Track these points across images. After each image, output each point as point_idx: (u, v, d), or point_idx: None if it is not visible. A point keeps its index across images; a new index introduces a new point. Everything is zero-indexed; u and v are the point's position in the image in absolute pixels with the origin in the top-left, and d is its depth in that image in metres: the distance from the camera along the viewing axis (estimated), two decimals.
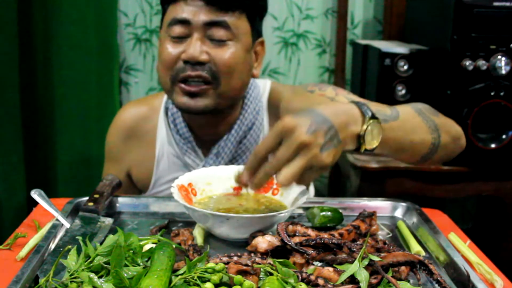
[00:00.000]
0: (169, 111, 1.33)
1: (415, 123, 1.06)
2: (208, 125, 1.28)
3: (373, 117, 0.92)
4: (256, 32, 1.25)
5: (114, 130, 1.40)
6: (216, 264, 0.77)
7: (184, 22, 1.17)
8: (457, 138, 1.15)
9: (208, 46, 1.17)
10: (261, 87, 1.35)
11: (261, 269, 0.78)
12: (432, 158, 1.12)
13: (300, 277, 0.76)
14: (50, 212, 1.00)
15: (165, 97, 1.36)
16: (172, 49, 1.18)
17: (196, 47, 1.16)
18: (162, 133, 1.34)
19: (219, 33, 1.17)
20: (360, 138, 0.92)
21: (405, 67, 2.02)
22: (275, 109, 1.33)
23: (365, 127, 0.91)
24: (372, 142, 0.94)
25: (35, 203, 1.03)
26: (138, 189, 1.42)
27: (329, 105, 0.95)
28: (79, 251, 0.81)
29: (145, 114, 1.37)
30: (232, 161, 1.30)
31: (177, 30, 1.17)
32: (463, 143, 1.18)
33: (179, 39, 1.18)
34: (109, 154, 1.42)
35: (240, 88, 1.23)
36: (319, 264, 0.85)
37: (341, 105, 0.96)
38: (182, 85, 1.17)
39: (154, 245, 0.84)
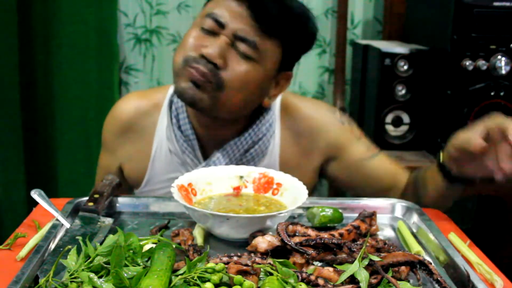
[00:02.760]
0: (174, 105, 1.30)
1: None
2: (213, 127, 1.26)
3: None
4: (286, 64, 1.22)
5: (111, 120, 1.37)
6: (216, 264, 0.77)
7: (218, 22, 1.15)
8: None
9: (230, 53, 1.14)
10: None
11: (261, 269, 0.78)
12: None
13: (300, 277, 0.76)
14: (50, 212, 0.99)
15: (169, 91, 1.34)
16: (197, 38, 1.17)
17: (217, 48, 1.13)
18: (162, 129, 1.31)
19: (245, 49, 1.14)
20: None
21: (405, 67, 2.02)
22: (289, 121, 1.31)
23: None
24: None
25: (35, 203, 1.03)
26: (129, 185, 1.38)
27: None
28: (79, 251, 0.81)
29: (145, 109, 1.34)
30: None
31: (209, 24, 1.16)
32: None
33: (208, 33, 1.16)
34: (104, 144, 1.39)
35: (238, 108, 1.20)
36: (319, 264, 0.85)
37: None
38: (191, 70, 1.14)
39: (154, 245, 0.84)
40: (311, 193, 1.26)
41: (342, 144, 1.32)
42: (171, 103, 1.31)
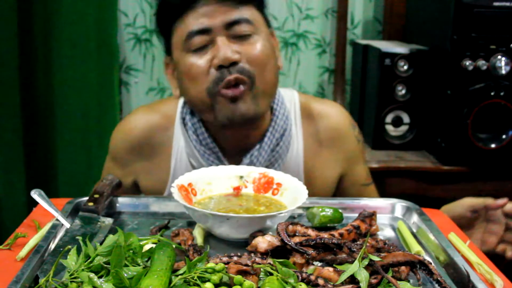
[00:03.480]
0: (189, 122, 1.26)
1: None
2: (238, 137, 1.23)
3: None
4: (267, 22, 1.23)
5: (122, 137, 1.32)
6: (216, 264, 0.77)
7: (204, 32, 1.12)
8: None
9: (234, 45, 1.13)
10: (286, 95, 1.33)
11: (261, 269, 0.78)
12: None
13: (300, 277, 0.76)
14: (50, 212, 0.99)
15: (179, 105, 1.30)
16: (199, 61, 1.13)
17: (225, 48, 1.11)
18: (180, 144, 1.28)
19: (243, 28, 1.13)
20: None
21: (405, 67, 2.02)
22: (312, 128, 1.31)
23: None
24: None
25: (35, 203, 1.03)
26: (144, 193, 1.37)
27: None
28: (79, 251, 0.81)
29: (159, 123, 1.30)
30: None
31: (198, 41, 1.13)
32: None
33: (202, 49, 1.13)
34: (114, 158, 1.34)
35: (274, 82, 1.20)
36: (319, 264, 0.85)
37: None
38: (225, 91, 1.12)
39: (154, 245, 0.84)
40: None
41: (355, 161, 1.35)
42: (183, 120, 1.28)
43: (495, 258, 1.10)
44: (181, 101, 1.32)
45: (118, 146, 1.33)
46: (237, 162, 1.24)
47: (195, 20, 1.13)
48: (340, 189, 1.36)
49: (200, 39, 1.13)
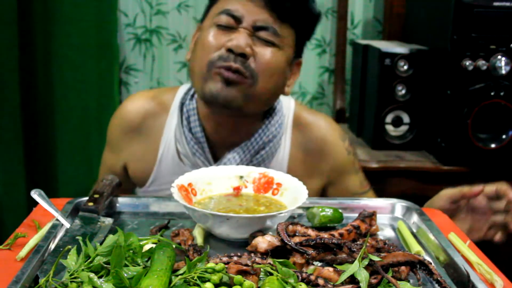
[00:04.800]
0: (185, 107, 1.29)
1: None
2: (224, 130, 1.26)
3: None
4: (298, 51, 1.25)
5: (117, 120, 1.36)
6: (216, 264, 0.77)
7: (234, 17, 1.16)
8: None
9: (253, 43, 1.16)
10: (285, 102, 1.34)
11: (261, 269, 0.78)
12: None
13: (300, 277, 0.76)
14: (50, 212, 0.99)
15: (179, 93, 1.34)
16: (216, 36, 1.17)
17: (242, 38, 1.14)
18: (170, 131, 1.31)
19: (267, 35, 1.16)
20: None
21: (405, 67, 2.02)
22: (300, 138, 1.32)
23: None
24: None
25: (35, 203, 1.03)
26: (132, 183, 1.39)
27: None
28: (79, 251, 0.81)
29: (153, 110, 1.34)
30: None
31: (226, 20, 1.16)
32: None
33: (225, 28, 1.16)
34: (109, 142, 1.39)
35: (272, 95, 1.22)
36: (319, 264, 0.85)
37: None
38: (222, 70, 1.14)
39: (154, 245, 0.84)
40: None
41: (343, 172, 1.35)
42: (181, 105, 1.31)
43: (489, 245, 1.11)
44: (182, 89, 1.35)
45: (112, 130, 1.38)
46: (220, 155, 1.27)
47: (233, 3, 1.16)
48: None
49: (228, 20, 1.16)
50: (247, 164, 1.25)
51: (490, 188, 1.16)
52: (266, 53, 1.16)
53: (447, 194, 1.20)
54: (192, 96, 1.30)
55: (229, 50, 1.14)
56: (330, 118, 1.41)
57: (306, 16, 1.23)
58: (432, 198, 1.22)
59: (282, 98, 1.33)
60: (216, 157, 1.28)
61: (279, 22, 1.17)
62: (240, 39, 1.14)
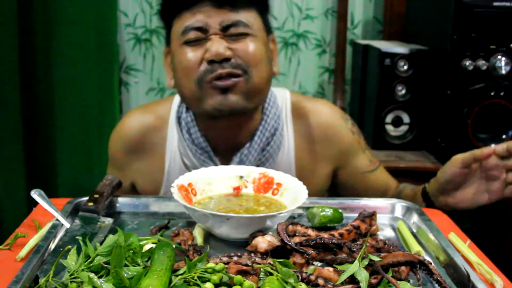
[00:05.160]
0: (183, 120, 1.28)
1: None
2: (228, 134, 1.25)
3: None
4: (267, 28, 1.24)
5: (117, 139, 1.35)
6: (216, 264, 0.77)
7: (199, 29, 1.15)
8: None
9: (228, 42, 1.15)
10: (279, 94, 1.34)
11: (261, 269, 0.78)
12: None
13: (300, 277, 0.76)
14: (50, 212, 0.99)
15: (174, 105, 1.32)
16: (192, 54, 1.16)
17: (218, 44, 1.13)
18: (173, 145, 1.30)
19: (238, 29, 1.15)
20: None
21: (405, 67, 2.02)
22: (302, 126, 1.32)
23: None
24: None
25: (35, 203, 1.03)
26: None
27: None
28: (79, 251, 0.81)
29: (153, 124, 1.32)
30: None
31: (193, 35, 1.15)
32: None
33: (196, 42, 1.16)
34: (112, 161, 1.37)
35: (267, 81, 1.21)
36: (319, 264, 0.85)
37: None
38: (215, 81, 1.14)
39: (154, 245, 0.84)
40: (322, 196, 1.34)
41: (350, 154, 1.35)
42: (179, 119, 1.30)
43: (489, 245, 1.09)
44: (176, 100, 1.34)
45: (114, 149, 1.36)
46: (228, 160, 1.26)
47: (192, 18, 1.16)
48: (341, 182, 1.38)
49: (195, 34, 1.16)
50: (257, 162, 1.26)
51: (501, 146, 1.13)
52: (245, 46, 1.16)
53: (458, 159, 1.17)
54: (188, 108, 1.29)
55: (211, 61, 1.14)
56: (329, 102, 1.41)
57: None
58: (444, 165, 1.20)
59: (275, 90, 1.34)
60: (223, 163, 1.26)
61: (242, 12, 1.16)
62: (216, 46, 1.13)
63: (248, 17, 1.17)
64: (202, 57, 1.15)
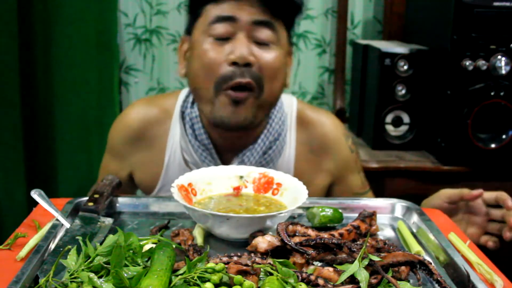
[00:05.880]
0: (187, 116, 1.27)
1: None
2: (231, 136, 1.24)
3: None
4: (290, 42, 1.25)
5: (120, 128, 1.34)
6: (216, 264, 0.77)
7: (230, 19, 1.12)
8: None
9: (253, 48, 1.14)
10: (286, 100, 1.34)
11: (261, 269, 0.78)
12: None
13: (300, 277, 0.76)
14: (50, 212, 0.99)
15: (179, 100, 1.32)
16: (215, 51, 1.13)
17: (244, 47, 1.12)
18: (175, 139, 1.30)
19: (265, 34, 1.14)
20: None
21: (405, 67, 2.02)
22: (305, 136, 1.33)
23: None
24: None
25: (35, 203, 1.03)
26: (137, 189, 1.39)
27: None
28: (79, 251, 0.81)
29: (156, 117, 1.32)
30: None
31: (221, 29, 1.13)
32: None
33: (222, 40, 1.14)
34: (111, 150, 1.37)
35: (278, 95, 1.21)
36: (319, 264, 0.85)
37: None
38: (231, 92, 1.12)
39: (154, 245, 0.84)
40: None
41: (346, 171, 1.36)
42: (182, 113, 1.30)
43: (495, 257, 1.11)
44: (181, 95, 1.33)
45: (115, 138, 1.35)
46: (229, 160, 1.27)
47: (225, 7, 1.14)
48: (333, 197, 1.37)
49: (224, 28, 1.13)
50: (257, 164, 1.25)
51: (490, 194, 1.16)
52: (268, 56, 1.15)
53: (446, 194, 1.20)
54: (193, 103, 1.28)
55: (233, 63, 1.12)
56: (333, 116, 1.41)
57: (295, 7, 1.21)
58: (431, 196, 1.23)
59: (283, 97, 1.33)
60: (224, 162, 1.27)
61: (273, 17, 1.15)
62: (242, 49, 1.11)
63: (277, 24, 1.17)
64: (225, 57, 1.13)
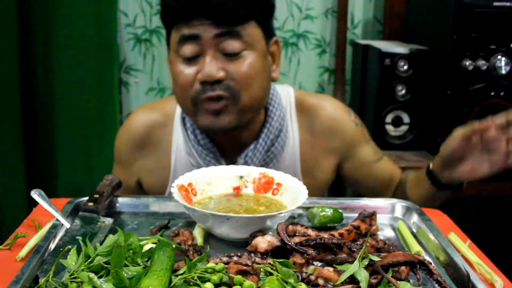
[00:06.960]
0: (188, 122, 1.29)
1: None
2: (232, 138, 1.26)
3: None
4: (268, 34, 1.22)
5: (125, 136, 1.36)
6: (216, 264, 0.77)
7: (194, 38, 1.13)
8: None
9: (222, 61, 1.14)
10: (283, 92, 1.34)
11: (261, 269, 0.78)
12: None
13: (300, 277, 0.76)
14: (50, 212, 0.99)
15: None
16: (186, 71, 1.16)
17: (211, 66, 1.13)
18: (179, 142, 1.31)
19: (232, 45, 1.13)
20: None
21: (405, 67, 2.02)
22: (307, 121, 1.33)
23: None
24: None
25: (35, 203, 1.03)
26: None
27: None
28: (79, 251, 0.81)
29: (159, 121, 1.33)
30: None
31: (188, 49, 1.14)
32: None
33: (191, 59, 1.15)
34: (119, 159, 1.38)
35: (261, 97, 1.21)
36: (319, 264, 0.85)
37: None
38: (205, 105, 1.15)
39: (154, 245, 0.84)
40: (328, 189, 1.37)
41: (355, 145, 1.37)
42: (183, 119, 1.31)
43: (488, 245, 1.08)
44: None
45: (121, 147, 1.37)
46: (235, 161, 1.27)
47: (188, 26, 1.14)
48: (347, 174, 1.39)
49: (190, 48, 1.15)
50: (261, 163, 1.27)
51: (500, 117, 1.12)
52: (239, 68, 1.14)
53: (459, 133, 1.17)
54: None
55: (203, 82, 1.14)
56: (331, 97, 1.44)
57: (257, 7, 1.17)
58: (446, 140, 1.20)
59: (279, 89, 1.34)
60: (229, 163, 1.27)
61: (237, 24, 1.13)
62: (208, 68, 1.13)
63: (246, 28, 1.15)
64: (195, 77, 1.15)
